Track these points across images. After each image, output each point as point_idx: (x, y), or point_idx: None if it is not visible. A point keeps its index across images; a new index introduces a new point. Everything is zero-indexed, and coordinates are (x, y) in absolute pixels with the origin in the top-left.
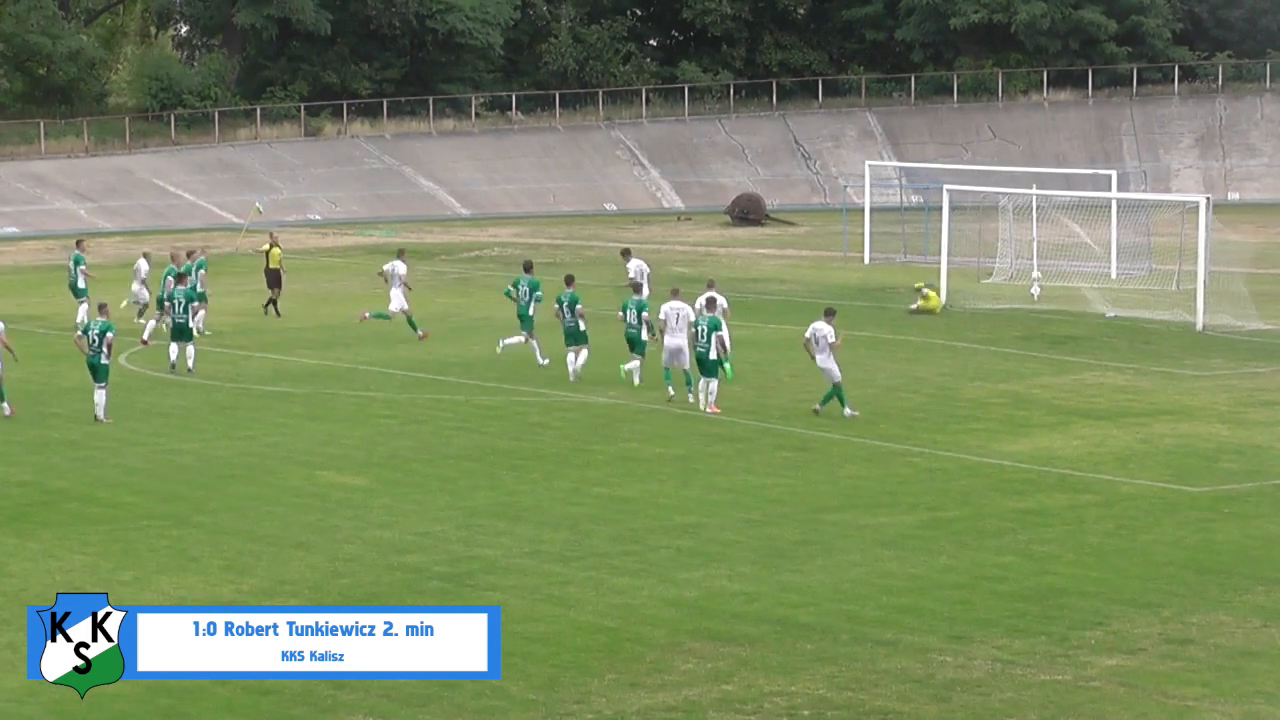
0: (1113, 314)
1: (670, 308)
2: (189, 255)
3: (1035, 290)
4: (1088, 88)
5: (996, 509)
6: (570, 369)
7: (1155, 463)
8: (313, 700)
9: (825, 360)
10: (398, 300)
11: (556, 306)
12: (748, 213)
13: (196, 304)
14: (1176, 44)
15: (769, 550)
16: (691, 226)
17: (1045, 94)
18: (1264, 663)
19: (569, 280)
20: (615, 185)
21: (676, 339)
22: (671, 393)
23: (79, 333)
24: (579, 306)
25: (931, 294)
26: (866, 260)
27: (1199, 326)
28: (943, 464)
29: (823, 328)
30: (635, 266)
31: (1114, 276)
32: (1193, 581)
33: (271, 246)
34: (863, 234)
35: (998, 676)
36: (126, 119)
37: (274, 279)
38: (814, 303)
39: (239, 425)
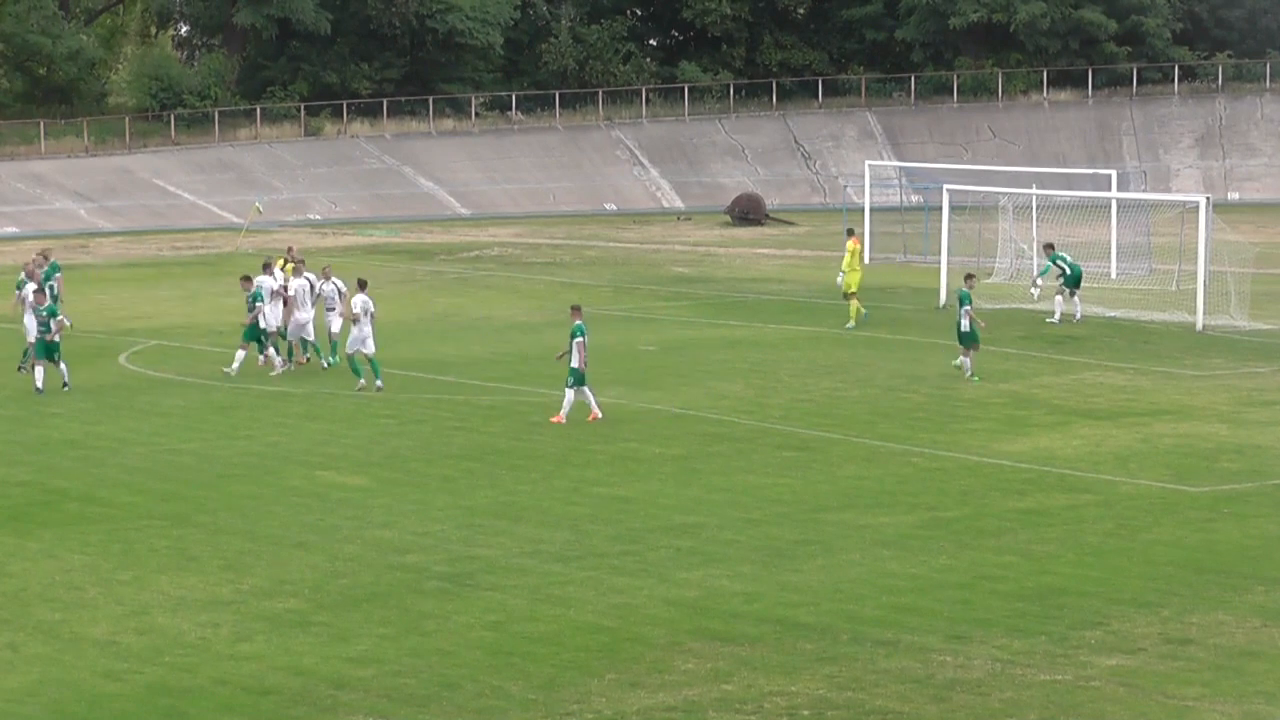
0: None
1: (359, 299)
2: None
3: (1035, 290)
4: (1088, 88)
5: (996, 509)
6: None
7: (1155, 463)
8: (313, 700)
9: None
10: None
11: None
12: (748, 212)
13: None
14: (1176, 44)
15: (769, 550)
16: (691, 226)
17: (1045, 94)
18: (1264, 663)
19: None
20: (615, 185)
21: (364, 329)
22: (362, 381)
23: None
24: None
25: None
26: (866, 260)
27: (1199, 326)
28: (943, 464)
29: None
30: None
31: (1114, 276)
32: (1193, 581)
33: (286, 262)
34: (863, 234)
35: (998, 676)
36: (126, 119)
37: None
38: (814, 302)
39: (239, 425)
